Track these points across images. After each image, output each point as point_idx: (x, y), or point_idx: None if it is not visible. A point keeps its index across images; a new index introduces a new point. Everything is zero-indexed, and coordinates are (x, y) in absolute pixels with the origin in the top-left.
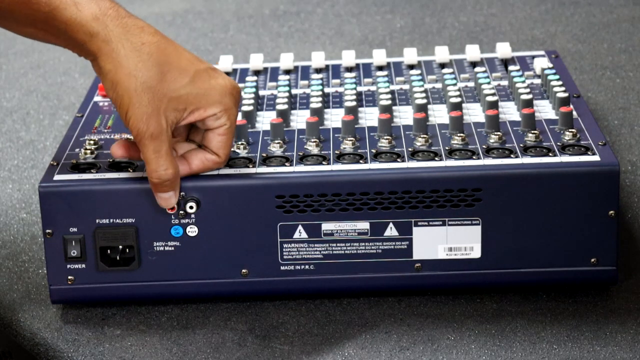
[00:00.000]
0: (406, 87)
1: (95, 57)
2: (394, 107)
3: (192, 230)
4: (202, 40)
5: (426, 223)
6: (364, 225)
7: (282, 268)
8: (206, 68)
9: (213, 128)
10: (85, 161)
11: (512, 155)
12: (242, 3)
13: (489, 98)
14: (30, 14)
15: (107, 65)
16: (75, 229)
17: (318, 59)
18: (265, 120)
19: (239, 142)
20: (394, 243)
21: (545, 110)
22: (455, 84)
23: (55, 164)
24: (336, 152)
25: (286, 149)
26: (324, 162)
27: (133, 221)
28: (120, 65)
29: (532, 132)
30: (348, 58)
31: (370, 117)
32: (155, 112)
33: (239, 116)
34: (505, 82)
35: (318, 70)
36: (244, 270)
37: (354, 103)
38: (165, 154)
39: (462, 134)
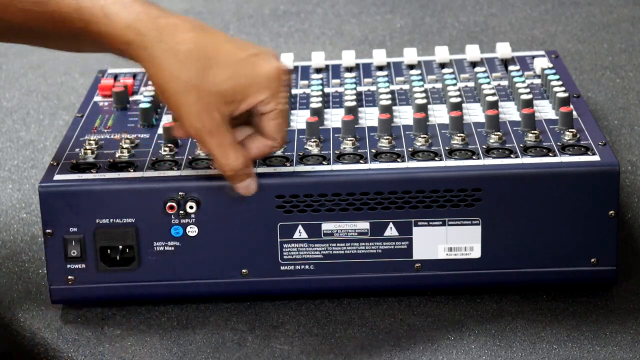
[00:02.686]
0: (406, 87)
1: (137, 62)
2: (394, 107)
3: (192, 230)
4: None
5: (426, 223)
6: (364, 225)
7: (282, 268)
8: (248, 56)
9: (264, 113)
10: (85, 161)
11: (512, 155)
12: (242, 3)
13: (489, 98)
14: (64, 32)
15: (149, 70)
16: (75, 229)
17: (318, 59)
18: None
19: None
20: (394, 243)
21: (545, 110)
22: (455, 84)
23: (55, 164)
24: (336, 152)
25: (286, 149)
26: (324, 162)
27: (133, 221)
28: (161, 69)
29: (532, 132)
30: (348, 58)
31: (370, 117)
32: (205, 108)
33: None
34: (505, 82)
35: (318, 70)
36: (244, 270)
37: (354, 103)
38: (230, 145)
39: (462, 134)
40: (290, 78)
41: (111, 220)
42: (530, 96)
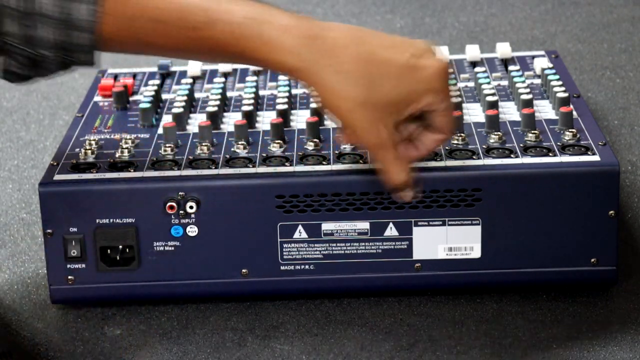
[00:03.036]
0: None
1: (303, 82)
2: None
3: (192, 230)
4: None
5: (426, 223)
6: (364, 225)
7: (282, 268)
8: (408, 59)
9: (433, 111)
10: (85, 161)
11: (512, 155)
12: None
13: (489, 98)
14: (215, 54)
15: (318, 92)
16: (75, 229)
17: None
18: (265, 120)
19: (239, 142)
20: (394, 243)
21: (545, 110)
22: (455, 84)
23: (55, 164)
24: (336, 152)
25: (286, 149)
26: (324, 162)
27: (133, 221)
28: (330, 90)
29: (532, 132)
30: None
31: None
32: (377, 123)
33: (239, 116)
34: (505, 82)
35: None
36: (244, 270)
37: None
38: (399, 160)
39: (462, 134)
40: (451, 69)
41: (111, 220)
42: (530, 96)
